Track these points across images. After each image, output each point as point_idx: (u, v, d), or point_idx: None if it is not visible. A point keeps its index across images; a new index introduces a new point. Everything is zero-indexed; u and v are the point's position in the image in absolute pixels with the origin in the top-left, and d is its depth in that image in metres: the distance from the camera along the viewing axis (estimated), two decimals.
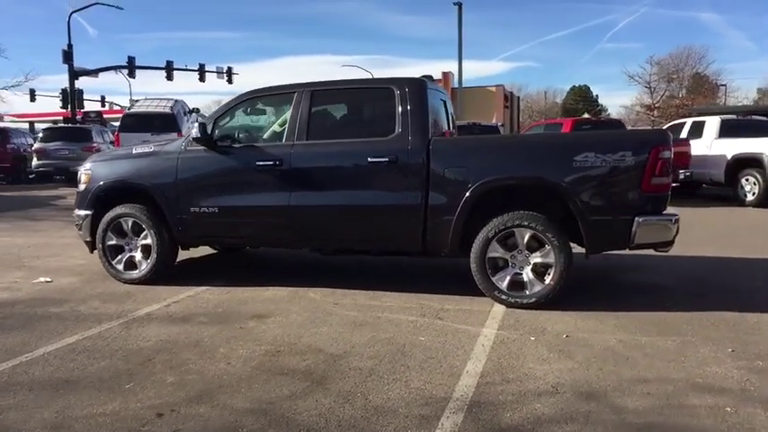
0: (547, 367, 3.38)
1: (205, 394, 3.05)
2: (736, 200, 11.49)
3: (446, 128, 5.52)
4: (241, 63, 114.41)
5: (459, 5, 26.30)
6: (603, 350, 3.64)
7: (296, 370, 3.36)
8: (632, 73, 53.17)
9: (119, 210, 5.33)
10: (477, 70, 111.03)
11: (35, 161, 17.03)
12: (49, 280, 5.60)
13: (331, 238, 5.04)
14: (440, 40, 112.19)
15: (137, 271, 5.37)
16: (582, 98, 77.07)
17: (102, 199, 5.43)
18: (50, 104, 41.76)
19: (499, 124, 19.03)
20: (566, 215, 4.43)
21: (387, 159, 4.65)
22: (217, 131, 5.15)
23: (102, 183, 5.42)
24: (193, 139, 4.99)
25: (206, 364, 3.46)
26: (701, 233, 8.16)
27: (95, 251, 5.49)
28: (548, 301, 4.44)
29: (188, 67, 35.28)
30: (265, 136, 5.19)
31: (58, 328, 4.14)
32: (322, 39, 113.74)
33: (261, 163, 4.94)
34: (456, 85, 52.99)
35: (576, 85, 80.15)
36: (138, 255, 5.37)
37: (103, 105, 47.87)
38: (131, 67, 30.99)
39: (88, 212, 5.46)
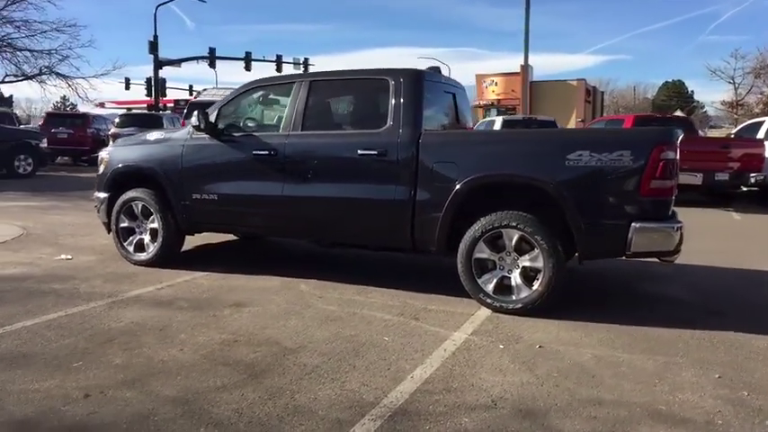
0: (499, 379, 3.16)
1: (141, 379, 3.08)
2: None
3: (452, 122, 5.30)
4: (325, 55, 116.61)
5: None
6: (572, 365, 3.36)
7: (241, 361, 3.34)
8: (713, 67, 49.34)
9: (130, 193, 5.53)
10: (563, 63, 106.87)
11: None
12: (70, 257, 5.90)
13: (321, 231, 4.99)
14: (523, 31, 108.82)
15: (145, 253, 5.55)
16: (675, 94, 72.68)
17: (117, 182, 5.65)
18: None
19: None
20: (559, 217, 4.14)
21: (376, 152, 4.52)
22: (221, 120, 5.22)
23: (117, 167, 5.64)
24: (192, 126, 5.08)
25: (159, 349, 3.50)
26: (761, 245, 7.45)
27: (111, 233, 5.74)
28: (535, 308, 4.17)
29: (266, 58, 36.47)
30: (265, 126, 5.21)
31: (49, 303, 4.34)
32: (405, 31, 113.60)
33: (258, 152, 4.95)
34: (530, 79, 51.35)
35: (670, 81, 75.67)
36: (147, 238, 5.55)
37: (191, 94, 50.35)
38: (212, 58, 32.33)
39: (105, 195, 5.70)
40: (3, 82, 25.28)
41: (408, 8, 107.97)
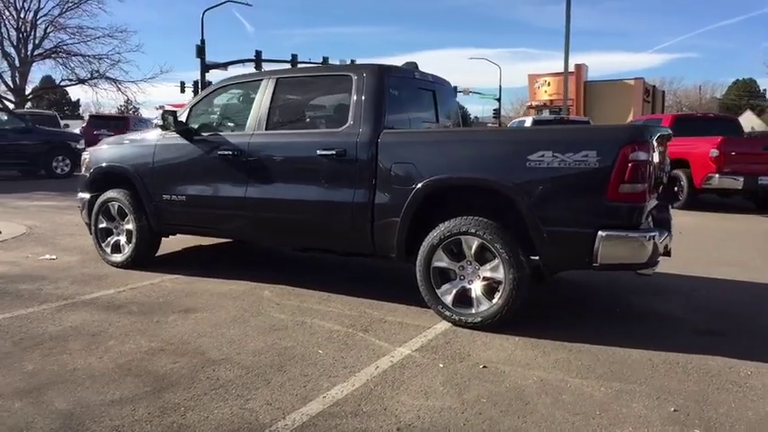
0: (419, 403, 2.85)
1: (41, 388, 2.94)
2: None
3: (430, 121, 4.99)
4: (376, 57, 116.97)
5: None
6: (509, 390, 3.01)
7: (154, 373, 3.16)
8: None
9: (108, 194, 5.49)
10: (626, 62, 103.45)
11: None
12: (54, 257, 5.93)
13: (282, 235, 4.78)
14: (584, 30, 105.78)
15: (120, 255, 5.50)
16: (746, 93, 68.82)
17: (96, 183, 5.63)
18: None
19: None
20: (522, 224, 3.77)
21: (335, 152, 4.27)
22: (192, 119, 5.10)
23: (96, 167, 5.62)
24: (157, 125, 4.98)
25: (79, 356, 3.37)
26: None
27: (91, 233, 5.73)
28: (495, 323, 3.82)
29: (311, 61, 36.77)
30: (232, 125, 5.04)
31: (3, 304, 4.31)
32: (459, 32, 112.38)
33: (223, 153, 4.79)
34: (585, 78, 49.79)
35: (740, 79, 71.72)
36: (123, 239, 5.50)
37: None
38: (258, 61, 32.79)
39: (86, 196, 5.70)
40: (59, 86, 26.48)
41: (463, 9, 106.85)
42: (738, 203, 11.40)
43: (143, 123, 21.28)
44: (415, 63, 4.97)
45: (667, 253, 4.18)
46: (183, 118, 5.09)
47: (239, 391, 2.95)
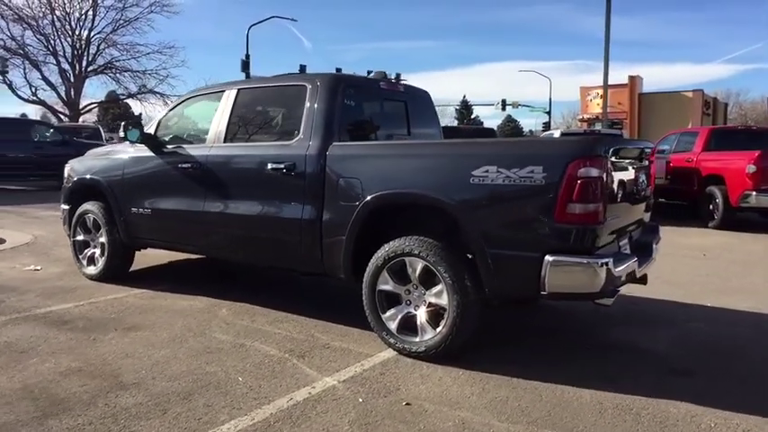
0: None
1: None
2: None
3: (400, 133, 4.71)
4: (435, 72, 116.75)
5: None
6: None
7: (54, 396, 3.00)
8: None
9: (84, 206, 5.47)
10: (689, 74, 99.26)
11: None
12: (39, 268, 5.97)
13: (238, 252, 4.60)
14: (643, 41, 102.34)
15: (94, 267, 5.46)
16: None
17: (74, 195, 5.63)
18: None
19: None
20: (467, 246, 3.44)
21: (284, 166, 4.06)
22: (160, 131, 5.02)
23: (74, 179, 5.62)
24: (120, 138, 4.90)
25: None
26: None
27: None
28: (439, 354, 3.49)
29: (355, 74, 37.01)
30: (194, 137, 4.91)
31: None
32: (519, 46, 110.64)
33: (184, 166, 4.67)
34: (639, 90, 48.18)
35: None
36: (97, 251, 5.46)
37: None
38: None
39: (66, 207, 5.71)
40: (111, 101, 27.57)
41: (524, 23, 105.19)
42: None
43: None
44: (384, 72, 4.73)
45: (642, 280, 3.75)
46: (152, 130, 5.01)
47: (128, 421, 2.76)
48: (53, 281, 5.45)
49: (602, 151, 3.12)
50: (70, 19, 25.94)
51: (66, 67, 25.78)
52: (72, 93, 26.19)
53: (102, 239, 5.35)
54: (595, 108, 54.32)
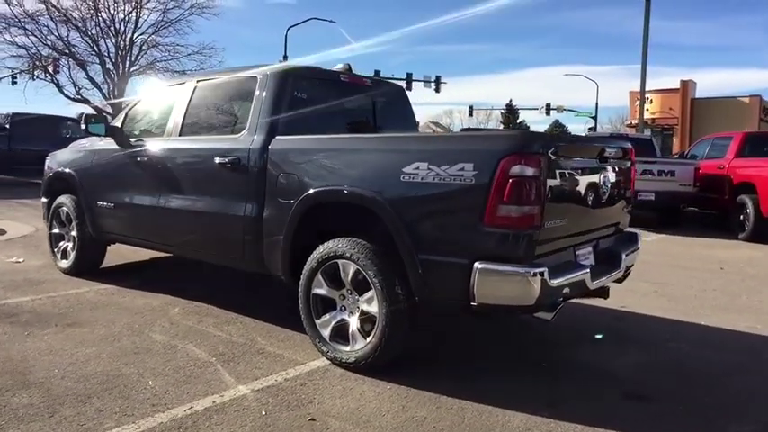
0: None
1: None
2: None
3: (364, 130, 4.45)
4: (481, 75, 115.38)
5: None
6: None
7: None
8: None
9: (59, 199, 5.44)
10: (749, 80, 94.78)
11: None
12: (21, 260, 5.99)
13: (188, 249, 4.44)
14: (699, 46, 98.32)
15: (66, 261, 5.42)
16: None
17: (51, 188, 5.61)
18: None
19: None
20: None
21: (229, 161, 3.88)
22: (127, 125, 4.92)
23: (51, 172, 5.60)
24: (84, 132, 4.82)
25: None
26: None
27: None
28: (369, 365, 3.23)
29: (394, 77, 36.82)
30: (154, 131, 4.77)
31: None
32: (573, 49, 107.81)
33: (143, 160, 4.56)
34: (687, 95, 46.23)
35: None
36: (69, 245, 5.42)
37: None
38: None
39: (45, 200, 5.71)
40: None
41: (575, 27, 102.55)
42: None
43: None
44: (349, 65, 4.50)
45: (600, 293, 3.39)
46: (119, 123, 4.93)
47: (9, 422, 2.61)
48: (27, 273, 5.44)
49: (539, 148, 2.78)
50: (114, 20, 26.75)
51: (111, 66, 26.57)
52: (116, 92, 26.98)
53: (74, 233, 5.31)
54: (645, 113, 52.48)
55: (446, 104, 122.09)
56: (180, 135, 4.37)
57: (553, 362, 3.62)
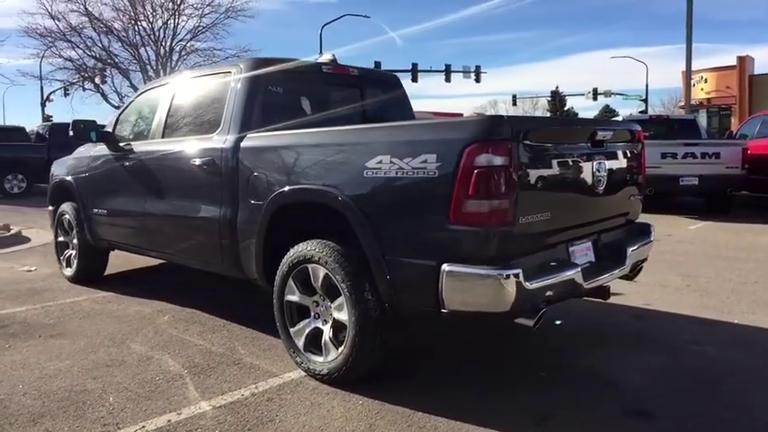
0: None
1: None
2: None
3: (352, 123, 4.18)
4: (526, 63, 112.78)
5: None
6: None
7: None
8: None
9: (62, 207, 5.41)
10: None
11: None
12: (33, 269, 6.02)
13: (173, 254, 4.28)
14: (764, 20, 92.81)
15: (70, 269, 5.39)
16: None
17: (55, 195, 5.59)
18: None
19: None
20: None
21: (202, 162, 3.70)
22: (118, 128, 4.82)
23: (55, 180, 5.58)
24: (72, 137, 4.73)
25: None
26: None
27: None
28: (342, 378, 2.97)
29: (432, 69, 36.30)
30: (140, 134, 4.63)
31: None
32: (622, 31, 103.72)
33: (131, 164, 4.44)
34: (744, 72, 43.73)
35: None
36: (73, 252, 5.39)
37: None
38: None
39: (51, 208, 5.70)
40: None
41: (625, 8, 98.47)
42: None
43: None
44: (333, 56, 4.23)
45: (599, 293, 3.02)
46: (110, 127, 4.83)
47: None
48: (34, 282, 5.45)
49: (507, 133, 2.45)
50: (154, 29, 27.34)
51: (152, 74, 27.17)
52: None
53: (75, 241, 5.27)
54: (699, 93, 50.09)
55: (490, 95, 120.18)
56: (162, 137, 4.23)
57: (551, 369, 3.27)
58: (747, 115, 37.32)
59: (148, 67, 27.19)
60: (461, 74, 36.28)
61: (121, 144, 4.64)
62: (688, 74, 18.62)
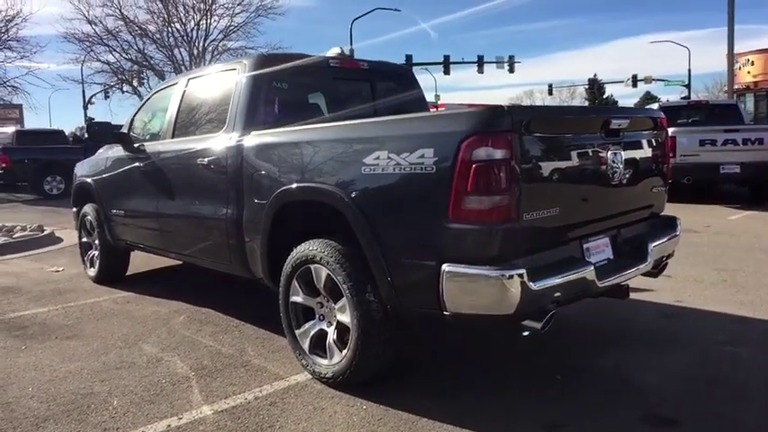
0: None
1: None
2: None
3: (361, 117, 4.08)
4: (563, 51, 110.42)
5: None
6: None
7: None
8: None
9: (84, 208, 5.48)
10: None
11: None
12: (61, 269, 6.13)
13: (185, 254, 4.26)
14: None
15: (93, 269, 5.46)
16: None
17: (78, 197, 5.66)
18: None
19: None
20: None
21: (208, 161, 3.65)
22: (133, 129, 4.83)
23: (78, 181, 5.65)
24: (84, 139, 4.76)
25: None
26: None
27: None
28: (347, 381, 2.88)
29: (464, 60, 35.82)
30: (153, 134, 4.62)
31: None
32: (662, 15, 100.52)
33: (143, 164, 4.44)
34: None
35: None
36: (96, 253, 5.44)
37: None
38: (408, 65, 32.88)
39: (74, 210, 5.78)
40: None
41: None
42: None
43: None
44: (341, 49, 4.12)
45: (617, 293, 2.84)
46: (125, 129, 4.85)
47: None
48: (58, 283, 5.53)
49: (508, 125, 2.29)
50: (186, 30, 27.79)
51: None
52: None
53: (97, 241, 5.32)
54: (745, 77, 48.11)
55: (526, 85, 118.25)
56: (172, 137, 4.20)
57: (568, 372, 3.10)
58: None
59: (182, 68, 27.60)
60: (494, 65, 35.72)
61: (135, 145, 4.64)
62: (730, 56, 17.81)
